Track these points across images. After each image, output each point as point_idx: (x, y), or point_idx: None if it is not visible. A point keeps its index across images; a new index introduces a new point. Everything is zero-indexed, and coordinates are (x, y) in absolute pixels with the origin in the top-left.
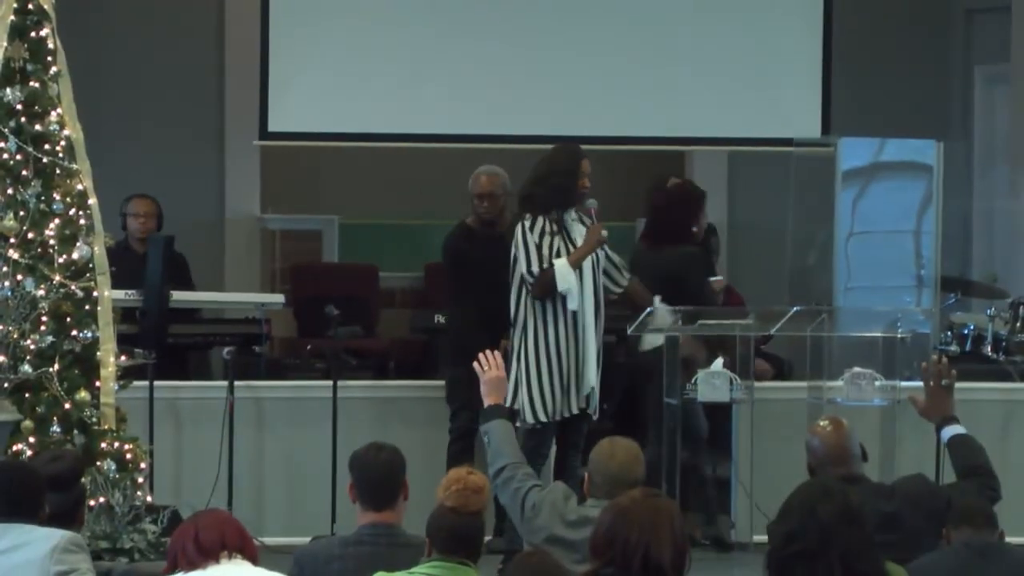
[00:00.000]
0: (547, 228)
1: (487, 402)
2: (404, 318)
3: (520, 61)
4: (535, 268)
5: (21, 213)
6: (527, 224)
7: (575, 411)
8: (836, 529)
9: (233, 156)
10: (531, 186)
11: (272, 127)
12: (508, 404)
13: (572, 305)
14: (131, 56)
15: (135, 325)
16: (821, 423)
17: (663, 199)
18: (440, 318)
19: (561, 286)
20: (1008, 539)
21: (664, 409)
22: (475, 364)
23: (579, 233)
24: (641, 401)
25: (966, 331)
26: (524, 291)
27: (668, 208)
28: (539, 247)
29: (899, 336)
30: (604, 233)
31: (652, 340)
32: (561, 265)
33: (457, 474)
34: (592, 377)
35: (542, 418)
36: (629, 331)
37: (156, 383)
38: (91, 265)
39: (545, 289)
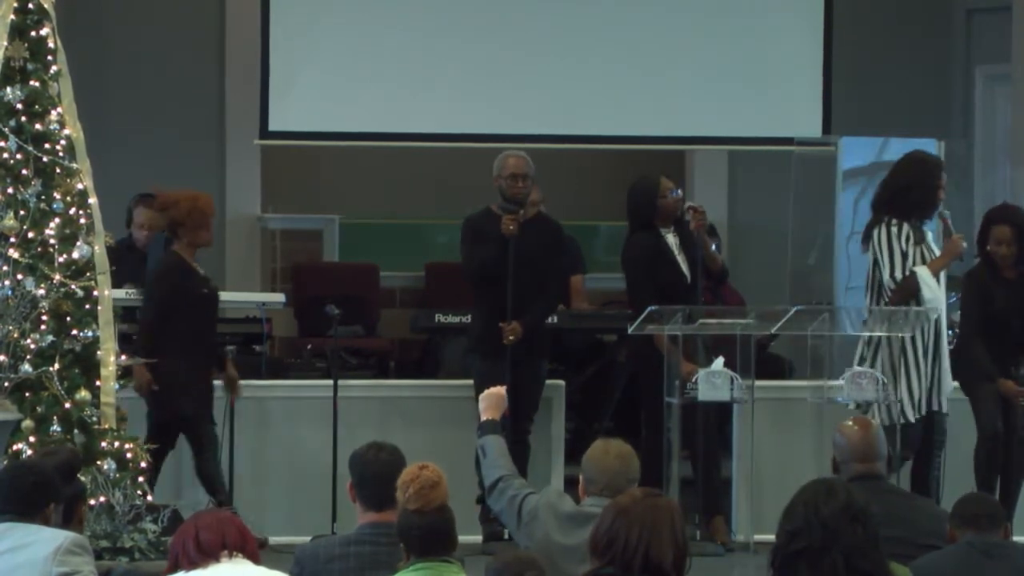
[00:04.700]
0: (911, 236)
1: (484, 416)
2: (404, 318)
3: (520, 61)
4: (898, 274)
5: (21, 212)
6: (894, 230)
7: (913, 416)
8: (839, 527)
9: (233, 156)
10: (893, 194)
11: (272, 126)
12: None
13: (933, 313)
14: (131, 55)
15: (136, 324)
16: (848, 422)
17: None
18: (441, 317)
19: (926, 294)
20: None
21: (664, 409)
22: None
23: (931, 240)
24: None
25: None
26: (883, 294)
27: None
28: (904, 254)
29: (899, 336)
30: (964, 245)
31: None
32: (925, 273)
33: (410, 473)
34: (949, 382)
35: (887, 421)
36: (630, 330)
37: None
38: (91, 264)
39: (905, 296)
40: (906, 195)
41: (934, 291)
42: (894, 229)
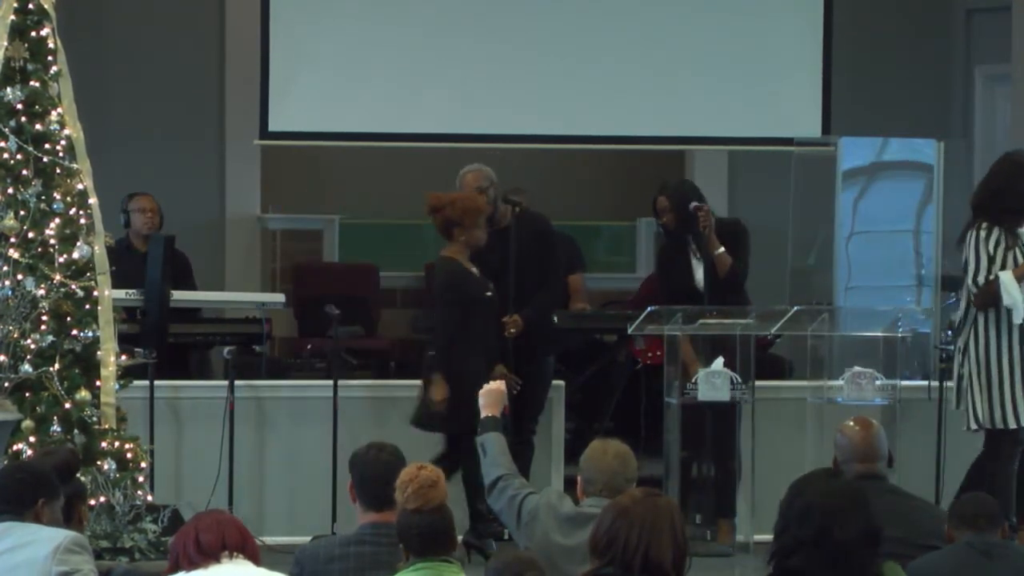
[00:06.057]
0: (1003, 240)
1: (484, 413)
2: (404, 318)
3: (520, 61)
4: (981, 278)
5: (21, 213)
6: (983, 234)
7: (1015, 424)
8: (852, 551)
9: (233, 156)
10: (985, 198)
11: (272, 127)
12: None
13: (1017, 319)
14: (131, 56)
15: (136, 325)
16: (850, 422)
17: None
18: None
19: (1006, 300)
20: None
21: (664, 409)
22: None
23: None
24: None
25: None
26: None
27: None
28: (992, 258)
29: (899, 336)
30: None
31: None
32: (1007, 278)
33: (409, 473)
34: None
35: (973, 425)
36: (629, 330)
37: (156, 383)
38: (91, 265)
39: (988, 301)
40: (997, 199)
41: (1014, 297)
42: (983, 233)
